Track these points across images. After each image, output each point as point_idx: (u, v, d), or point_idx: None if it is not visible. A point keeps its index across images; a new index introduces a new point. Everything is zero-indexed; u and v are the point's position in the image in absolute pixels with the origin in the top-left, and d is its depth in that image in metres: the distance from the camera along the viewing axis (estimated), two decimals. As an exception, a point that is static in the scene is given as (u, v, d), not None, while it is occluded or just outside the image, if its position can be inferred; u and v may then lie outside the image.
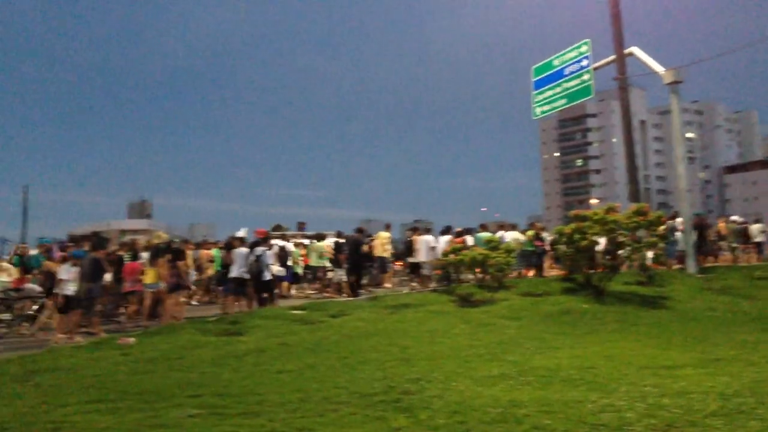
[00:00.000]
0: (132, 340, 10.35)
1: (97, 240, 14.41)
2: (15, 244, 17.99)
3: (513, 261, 15.82)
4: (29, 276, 15.69)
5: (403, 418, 5.57)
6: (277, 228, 22.87)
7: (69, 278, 12.50)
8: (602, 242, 14.39)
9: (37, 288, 15.11)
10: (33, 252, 17.41)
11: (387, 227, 20.77)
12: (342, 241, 18.80)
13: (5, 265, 15.85)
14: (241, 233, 16.92)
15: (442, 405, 5.98)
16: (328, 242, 19.66)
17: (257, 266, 14.57)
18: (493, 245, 15.69)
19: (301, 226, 23.02)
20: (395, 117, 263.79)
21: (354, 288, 17.19)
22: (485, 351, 8.96)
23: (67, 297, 12.45)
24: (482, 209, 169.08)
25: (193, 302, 17.51)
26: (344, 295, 17.47)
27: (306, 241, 20.25)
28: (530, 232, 19.45)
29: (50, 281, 13.37)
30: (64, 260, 13.16)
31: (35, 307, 14.36)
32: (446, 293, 14.63)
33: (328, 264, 19.45)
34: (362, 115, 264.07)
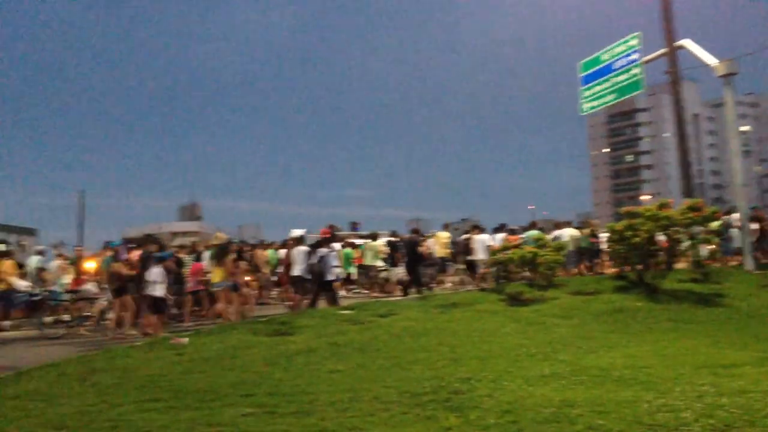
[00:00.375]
0: (185, 340, 10.55)
1: (158, 242, 14.91)
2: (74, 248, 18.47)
3: (562, 259, 15.63)
4: (85, 277, 16.16)
5: (454, 418, 5.55)
6: (332, 228, 23.09)
7: (158, 280, 12.90)
8: (659, 239, 14.09)
9: (94, 289, 15.55)
10: (88, 254, 17.94)
11: (446, 227, 20.87)
12: (396, 240, 18.90)
13: (67, 266, 16.36)
14: (297, 233, 17.28)
15: (492, 404, 5.94)
16: (381, 242, 19.82)
17: (320, 266, 14.74)
18: (542, 243, 15.53)
19: (354, 226, 23.24)
20: (441, 115, 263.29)
21: (416, 286, 17.33)
22: (536, 350, 8.87)
23: (155, 298, 12.82)
24: (530, 207, 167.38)
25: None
26: (400, 293, 17.58)
27: (359, 241, 20.43)
28: (586, 230, 19.24)
29: (118, 282, 13.80)
30: (143, 262, 13.58)
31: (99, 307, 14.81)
32: (495, 292, 14.53)
33: (381, 263, 19.63)
34: (408, 114, 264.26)
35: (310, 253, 15.14)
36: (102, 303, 15.00)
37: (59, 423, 5.93)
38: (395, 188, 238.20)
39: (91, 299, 15.15)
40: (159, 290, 12.94)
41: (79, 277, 16.00)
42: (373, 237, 20.39)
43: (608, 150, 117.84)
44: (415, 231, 18.90)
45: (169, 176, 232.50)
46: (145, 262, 13.92)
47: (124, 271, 13.83)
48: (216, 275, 14.23)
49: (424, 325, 11.18)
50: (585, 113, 22.21)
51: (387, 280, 19.49)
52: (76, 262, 16.31)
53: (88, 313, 15.01)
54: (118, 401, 6.72)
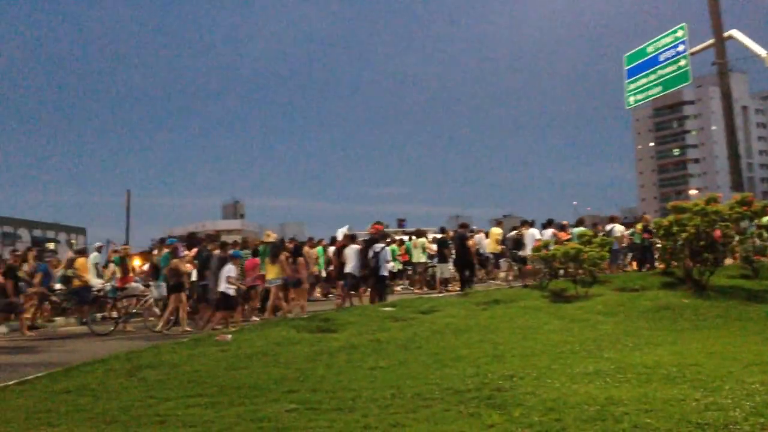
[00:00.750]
0: (229, 336, 10.68)
1: (218, 240, 15.30)
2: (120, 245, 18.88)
3: (607, 255, 15.38)
4: (132, 275, 16.49)
5: (497, 415, 5.51)
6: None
7: (232, 276, 13.30)
8: (715, 233, 13.77)
9: (140, 287, 15.86)
10: (134, 252, 18.38)
11: (499, 223, 20.80)
12: (444, 236, 18.93)
13: (112, 266, 16.74)
14: (341, 231, 17.54)
15: (536, 402, 5.88)
16: (424, 239, 19.89)
17: (375, 262, 14.97)
18: (586, 239, 15.32)
19: (400, 223, 23.33)
20: (481, 111, 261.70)
21: (463, 283, 17.39)
22: (580, 347, 8.75)
23: (225, 294, 13.16)
24: (573, 203, 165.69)
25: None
26: (449, 289, 17.60)
27: (404, 238, 20.51)
28: (639, 225, 18.97)
29: (176, 279, 14.16)
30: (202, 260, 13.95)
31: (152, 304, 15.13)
32: (538, 289, 14.40)
33: (425, 259, 19.72)
34: (447, 109, 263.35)
35: (363, 250, 15.32)
36: (149, 301, 15.30)
37: (108, 417, 6.05)
38: (434, 185, 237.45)
39: (137, 296, 15.45)
40: (231, 288, 13.27)
41: (126, 275, 16.32)
42: (418, 234, 20.46)
43: (654, 144, 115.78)
44: (464, 226, 18.98)
45: (212, 175, 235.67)
46: (205, 260, 14.27)
47: (183, 267, 14.18)
48: (270, 272, 14.50)
49: (466, 322, 11.13)
50: (630, 107, 21.87)
51: (434, 276, 19.55)
52: (123, 260, 16.61)
53: (135, 310, 15.31)
54: (164, 396, 6.84)
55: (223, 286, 13.23)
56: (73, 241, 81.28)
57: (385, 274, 15.21)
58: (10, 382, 7.98)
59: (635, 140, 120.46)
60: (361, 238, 16.84)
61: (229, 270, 13.32)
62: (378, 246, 15.16)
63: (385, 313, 12.41)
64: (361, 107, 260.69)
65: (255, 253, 15.85)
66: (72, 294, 15.64)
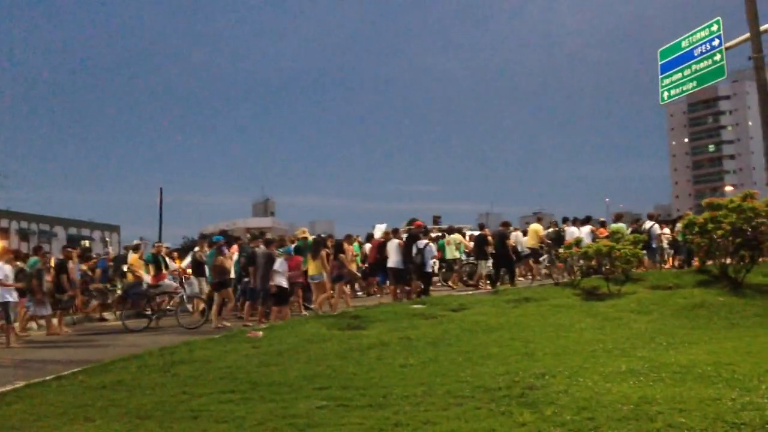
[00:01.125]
0: (260, 333, 10.77)
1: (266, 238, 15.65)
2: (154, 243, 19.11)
3: (640, 253, 15.19)
4: (165, 273, 16.68)
5: (528, 414, 5.47)
6: (412, 222, 23.36)
7: (282, 272, 13.65)
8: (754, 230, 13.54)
9: (173, 284, 16.07)
10: (168, 247, 18.70)
11: (539, 219, 20.70)
12: (482, 233, 18.92)
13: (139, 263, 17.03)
14: (380, 228, 17.78)
15: (568, 401, 5.83)
16: (457, 236, 19.89)
17: (420, 258, 15.21)
18: (618, 236, 15.16)
19: (436, 220, 23.37)
20: (512, 107, 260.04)
21: (494, 281, 17.64)
22: (613, 346, 8.66)
23: (281, 288, 13.55)
24: (605, 200, 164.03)
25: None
26: (485, 286, 17.61)
27: (438, 235, 20.53)
28: (680, 223, 18.75)
29: (221, 275, 14.43)
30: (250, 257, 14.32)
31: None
32: (570, 287, 14.29)
33: (462, 257, 19.77)
34: (477, 106, 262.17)
35: (405, 245, 15.50)
36: (177, 298, 15.51)
37: (142, 412, 6.14)
38: (464, 183, 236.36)
39: (170, 294, 15.64)
40: (283, 282, 13.54)
41: (160, 272, 16.53)
42: (451, 230, 20.50)
43: (688, 140, 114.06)
44: (505, 224, 19.08)
45: (243, 173, 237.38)
46: (249, 258, 14.57)
47: (228, 264, 14.40)
48: (312, 268, 14.71)
49: (497, 320, 11.08)
50: (664, 102, 21.54)
51: (470, 274, 19.59)
52: (156, 257, 16.82)
53: (168, 307, 15.51)
54: (197, 392, 6.92)
55: (277, 280, 13.50)
56: (107, 239, 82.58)
57: (430, 270, 15.55)
58: (47, 378, 8.14)
59: (669, 136, 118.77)
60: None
61: (281, 264, 13.63)
62: (422, 242, 15.41)
63: (415, 310, 12.41)
64: (391, 105, 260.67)
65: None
66: (127, 289, 16.03)
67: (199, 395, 6.76)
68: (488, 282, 18.25)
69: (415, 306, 13.02)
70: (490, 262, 18.30)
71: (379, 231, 18.84)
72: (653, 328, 10.08)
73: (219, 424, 5.63)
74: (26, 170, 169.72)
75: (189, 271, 17.97)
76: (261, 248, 14.61)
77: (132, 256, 16.69)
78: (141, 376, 8.00)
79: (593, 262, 14.46)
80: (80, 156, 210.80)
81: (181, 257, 19.76)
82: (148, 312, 15.37)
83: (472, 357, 8.28)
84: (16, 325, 14.18)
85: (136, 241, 18.95)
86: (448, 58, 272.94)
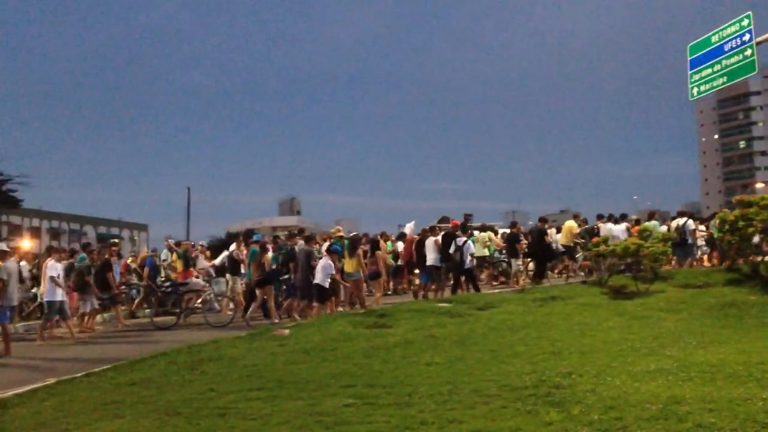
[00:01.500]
0: (287, 331, 10.83)
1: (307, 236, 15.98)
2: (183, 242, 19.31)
3: (669, 251, 15.01)
4: (192, 270, 16.86)
5: (555, 413, 5.44)
6: (444, 220, 23.31)
7: (326, 269, 13.78)
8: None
9: (201, 282, 16.22)
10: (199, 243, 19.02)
11: (575, 217, 20.59)
12: (514, 230, 18.85)
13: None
14: (409, 226, 17.92)
15: (596, 400, 5.79)
16: (485, 234, 19.89)
17: (459, 255, 15.45)
18: (647, 234, 14.98)
19: (467, 218, 23.40)
20: (537, 105, 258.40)
21: (538, 276, 17.60)
22: (641, 345, 8.57)
23: (321, 287, 13.71)
24: (633, 197, 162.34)
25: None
26: (521, 283, 17.56)
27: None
28: (717, 219, 18.53)
29: (263, 272, 14.76)
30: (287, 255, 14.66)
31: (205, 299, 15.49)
32: (597, 285, 14.16)
33: (491, 254, 19.81)
34: (503, 104, 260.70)
35: (443, 242, 15.70)
36: (210, 296, 15.66)
37: (171, 409, 6.21)
38: (489, 181, 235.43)
39: (198, 291, 15.79)
40: (326, 281, 13.70)
41: (187, 270, 16.69)
42: (484, 229, 20.52)
43: (718, 136, 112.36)
44: (543, 220, 19.10)
45: (269, 172, 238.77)
46: (289, 255, 14.93)
47: (269, 262, 14.68)
48: (349, 266, 14.92)
49: (523, 319, 11.02)
50: (694, 98, 21.27)
51: (503, 271, 19.61)
52: (184, 255, 16.99)
53: (196, 305, 15.65)
54: (225, 389, 6.98)
55: (319, 278, 13.63)
56: (135, 238, 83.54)
57: (470, 266, 15.74)
58: (78, 374, 8.26)
59: (699, 133, 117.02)
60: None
61: (328, 265, 13.76)
62: (461, 239, 15.61)
63: (441, 309, 12.38)
64: (415, 103, 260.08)
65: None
66: (171, 287, 16.29)
67: (227, 393, 6.82)
68: (517, 280, 18.15)
69: (441, 304, 12.99)
70: (520, 260, 18.31)
71: (409, 229, 18.97)
72: (682, 327, 9.96)
73: (246, 422, 5.67)
74: (57, 170, 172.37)
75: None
76: (300, 245, 14.82)
77: (175, 255, 17.24)
78: (169, 373, 8.10)
79: (622, 260, 14.32)
80: (109, 156, 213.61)
81: (213, 256, 19.88)
82: (177, 310, 15.53)
83: (499, 356, 8.25)
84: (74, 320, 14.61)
85: (172, 241, 19.20)
86: (474, 57, 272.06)
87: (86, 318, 14.99)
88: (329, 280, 13.77)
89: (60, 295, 13.41)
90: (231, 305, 16.23)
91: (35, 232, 68.23)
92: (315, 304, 13.86)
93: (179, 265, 16.84)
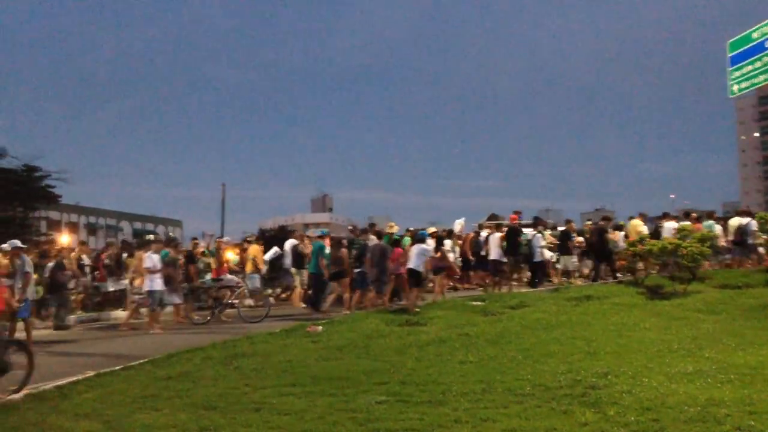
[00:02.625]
0: (320, 328, 10.89)
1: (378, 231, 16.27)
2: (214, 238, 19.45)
3: (708, 251, 14.72)
4: (226, 266, 17.02)
5: (591, 413, 5.40)
6: (493, 217, 23.27)
7: (421, 257, 14.17)
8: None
9: (235, 279, 16.37)
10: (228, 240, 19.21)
11: (641, 215, 20.39)
12: (566, 228, 18.75)
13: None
14: (459, 223, 18.22)
15: (632, 401, 5.73)
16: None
17: (528, 249, 16.13)
18: (684, 234, 14.74)
19: (517, 215, 23.36)
20: (572, 102, 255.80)
21: (598, 274, 17.68)
22: (678, 346, 8.44)
23: (416, 271, 14.07)
24: (671, 196, 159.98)
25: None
26: (570, 282, 17.50)
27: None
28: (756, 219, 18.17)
29: (339, 267, 15.05)
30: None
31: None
32: (633, 285, 13.98)
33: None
34: (536, 102, 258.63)
35: (508, 238, 16.14)
36: (243, 291, 15.79)
37: (206, 404, 6.29)
38: (523, 178, 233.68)
39: (232, 288, 15.92)
40: (421, 266, 14.02)
41: (221, 266, 16.84)
42: (536, 225, 20.53)
43: (759, 134, 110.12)
44: (607, 219, 19.31)
45: (301, 169, 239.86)
46: (364, 248, 15.17)
47: (345, 256, 15.14)
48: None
49: (558, 318, 10.93)
50: (734, 95, 20.90)
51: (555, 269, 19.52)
52: (218, 251, 17.14)
53: (230, 301, 15.77)
54: (259, 385, 7.05)
55: (414, 263, 13.90)
56: (170, 234, 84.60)
57: (540, 259, 16.37)
58: (117, 368, 8.41)
59: (738, 131, 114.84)
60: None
61: (425, 250, 14.19)
62: (529, 232, 16.26)
63: (475, 307, 12.35)
64: (447, 100, 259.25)
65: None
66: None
67: (261, 388, 6.89)
68: (568, 278, 18.02)
69: (475, 303, 12.96)
70: (574, 258, 18.24)
71: (458, 226, 19.33)
72: (721, 328, 9.78)
73: (280, 417, 5.72)
74: (94, 166, 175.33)
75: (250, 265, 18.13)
76: (373, 239, 15.17)
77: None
78: (205, 368, 8.20)
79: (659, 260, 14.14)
80: (146, 152, 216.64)
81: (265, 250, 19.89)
82: (211, 305, 15.68)
83: (533, 355, 8.20)
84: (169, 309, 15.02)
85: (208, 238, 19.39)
86: (509, 53, 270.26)
87: (180, 309, 15.32)
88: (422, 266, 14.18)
89: (159, 284, 13.77)
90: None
91: (73, 228, 69.37)
92: (412, 288, 14.24)
93: (213, 263, 16.99)
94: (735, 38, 20.34)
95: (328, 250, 15.58)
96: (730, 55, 20.41)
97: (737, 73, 20.15)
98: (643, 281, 14.07)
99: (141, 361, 8.86)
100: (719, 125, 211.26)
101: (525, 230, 19.15)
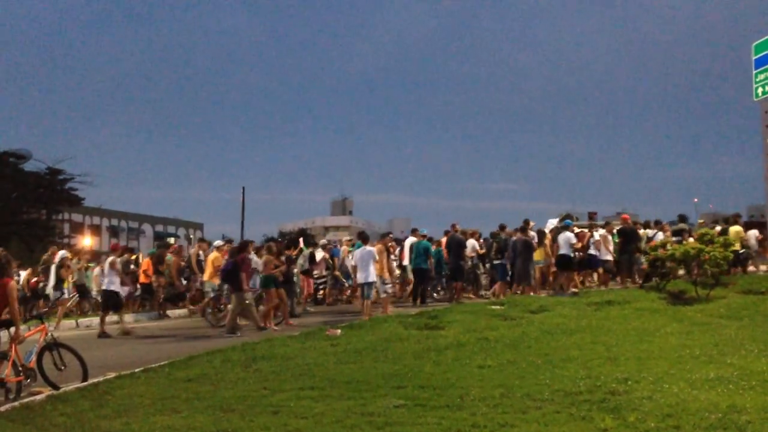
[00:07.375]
0: (339, 331, 10.91)
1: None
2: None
3: (730, 256, 14.51)
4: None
5: (610, 419, 5.35)
6: (567, 217, 23.22)
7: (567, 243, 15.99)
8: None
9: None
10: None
11: (681, 218, 20.22)
12: (632, 227, 18.62)
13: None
14: (553, 222, 20.08)
15: (652, 407, 5.67)
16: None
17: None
18: (708, 239, 14.58)
19: (592, 216, 23.36)
20: (594, 105, 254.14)
21: (627, 272, 17.99)
22: (700, 352, 8.34)
23: (569, 258, 15.97)
24: (694, 200, 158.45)
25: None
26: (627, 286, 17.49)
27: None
28: None
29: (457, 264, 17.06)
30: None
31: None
32: (655, 290, 13.86)
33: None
34: (557, 104, 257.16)
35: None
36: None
37: (225, 406, 6.32)
38: (544, 182, 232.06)
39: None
40: (570, 252, 15.57)
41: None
42: (606, 226, 20.50)
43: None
44: (682, 218, 19.35)
45: (322, 172, 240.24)
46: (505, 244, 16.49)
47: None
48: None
49: (578, 323, 10.86)
50: (759, 98, 20.66)
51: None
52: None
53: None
54: (277, 387, 7.07)
55: (564, 250, 15.44)
56: (191, 236, 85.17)
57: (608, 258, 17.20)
58: (136, 370, 8.47)
59: (763, 134, 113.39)
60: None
61: (570, 237, 15.69)
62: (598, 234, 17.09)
63: (494, 311, 12.30)
64: (467, 103, 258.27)
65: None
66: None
67: (280, 391, 6.91)
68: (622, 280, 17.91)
69: (494, 307, 12.91)
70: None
71: (551, 226, 19.75)
72: (743, 334, 9.66)
73: (299, 420, 5.73)
74: (117, 169, 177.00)
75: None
76: (518, 236, 16.02)
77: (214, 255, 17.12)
78: (224, 370, 8.24)
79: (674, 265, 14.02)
80: (167, 155, 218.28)
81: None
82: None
83: (552, 360, 8.15)
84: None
85: (217, 243, 19.39)
86: (529, 56, 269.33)
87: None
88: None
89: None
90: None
91: (95, 230, 70.12)
92: (564, 273, 15.94)
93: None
94: (760, 40, 20.11)
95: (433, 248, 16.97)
96: (755, 57, 20.19)
97: (762, 76, 19.92)
98: (665, 286, 13.94)
99: (161, 363, 8.91)
100: (745, 129, 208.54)
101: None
